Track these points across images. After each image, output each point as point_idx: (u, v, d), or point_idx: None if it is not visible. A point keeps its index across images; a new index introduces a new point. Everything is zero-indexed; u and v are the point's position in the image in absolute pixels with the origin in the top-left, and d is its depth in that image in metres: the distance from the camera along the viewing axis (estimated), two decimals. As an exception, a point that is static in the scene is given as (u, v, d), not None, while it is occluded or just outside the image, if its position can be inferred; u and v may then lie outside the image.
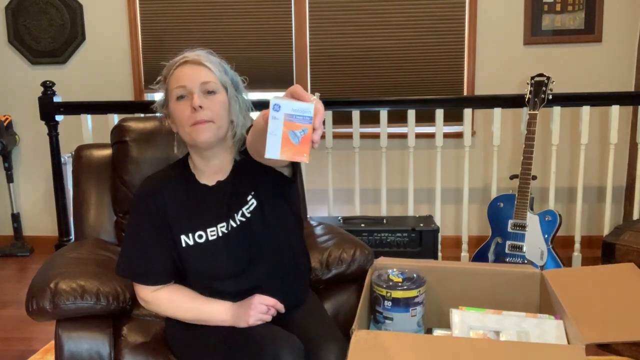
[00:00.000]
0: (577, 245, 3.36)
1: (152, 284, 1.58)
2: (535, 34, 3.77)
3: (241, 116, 1.56)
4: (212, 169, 1.58)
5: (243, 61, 3.91)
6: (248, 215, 1.56)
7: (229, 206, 1.56)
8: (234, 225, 1.56)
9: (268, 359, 1.41)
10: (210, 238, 1.56)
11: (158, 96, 1.64)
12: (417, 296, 1.67)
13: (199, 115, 1.46)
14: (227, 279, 1.57)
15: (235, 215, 1.56)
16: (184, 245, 1.56)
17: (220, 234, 1.56)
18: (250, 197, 1.56)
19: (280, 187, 1.58)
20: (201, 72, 1.48)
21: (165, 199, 1.57)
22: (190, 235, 1.56)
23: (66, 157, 3.56)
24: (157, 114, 1.63)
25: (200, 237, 1.56)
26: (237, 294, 1.56)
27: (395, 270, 1.77)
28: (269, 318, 1.53)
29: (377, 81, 3.91)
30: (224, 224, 1.56)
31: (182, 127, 1.50)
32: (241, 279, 1.57)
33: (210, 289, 1.58)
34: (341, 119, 3.67)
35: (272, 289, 1.58)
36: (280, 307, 1.56)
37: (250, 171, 1.56)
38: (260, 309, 1.51)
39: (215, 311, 1.55)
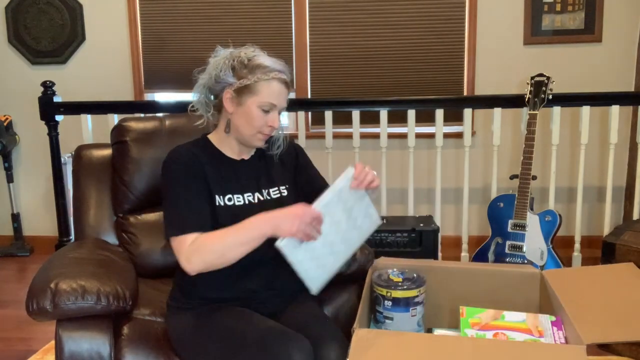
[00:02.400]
0: (577, 245, 3.36)
1: (197, 231, 1.56)
2: (535, 34, 3.77)
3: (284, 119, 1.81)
4: (241, 151, 1.75)
5: (243, 61, 3.91)
6: (275, 196, 1.73)
7: (258, 181, 1.73)
8: (262, 198, 1.71)
9: (277, 358, 1.41)
10: (237, 203, 1.67)
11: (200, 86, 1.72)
12: (417, 296, 1.67)
13: (272, 131, 1.66)
14: None
15: (263, 190, 1.72)
16: (217, 204, 1.65)
17: (247, 202, 1.69)
18: (283, 187, 1.76)
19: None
20: (286, 94, 1.67)
21: (200, 160, 1.67)
22: (222, 196, 1.66)
23: (66, 157, 3.56)
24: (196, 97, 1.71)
25: (229, 200, 1.67)
26: (250, 262, 1.61)
27: (395, 270, 1.77)
28: (311, 232, 1.50)
29: (377, 81, 3.91)
30: (250, 194, 1.70)
31: (248, 128, 1.64)
32: (255, 250, 1.57)
33: None
34: (341, 119, 3.67)
35: (279, 267, 1.63)
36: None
37: (290, 170, 1.80)
38: (305, 220, 1.48)
39: (253, 224, 1.52)
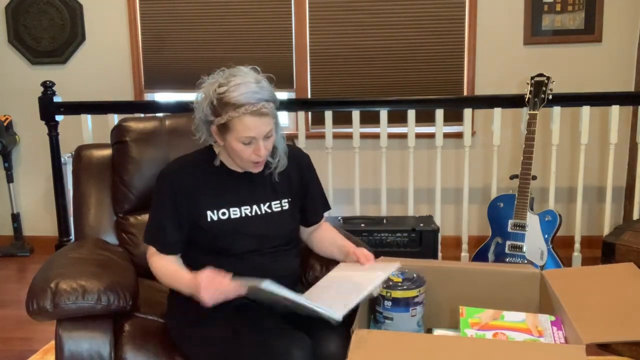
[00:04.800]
0: (577, 245, 3.36)
1: (160, 251, 1.72)
2: (535, 34, 3.77)
3: (281, 138, 1.75)
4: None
5: (243, 61, 3.89)
6: (276, 209, 1.76)
7: (258, 194, 1.74)
8: (260, 212, 1.73)
9: (278, 356, 1.42)
10: (233, 216, 1.70)
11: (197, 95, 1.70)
12: (417, 296, 1.67)
13: (260, 158, 1.64)
14: (240, 258, 1.68)
15: (262, 204, 1.74)
16: (209, 219, 1.69)
17: (243, 215, 1.71)
18: (286, 200, 1.78)
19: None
20: (265, 122, 1.61)
21: (193, 177, 1.71)
22: (215, 211, 1.69)
23: (66, 157, 3.56)
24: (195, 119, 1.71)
25: (223, 214, 1.70)
26: (250, 256, 1.67)
27: (395, 270, 1.77)
28: (223, 297, 1.55)
29: (377, 81, 3.91)
30: (248, 207, 1.72)
31: (238, 160, 1.66)
32: (249, 260, 1.69)
33: (224, 266, 1.64)
34: (341, 119, 3.67)
35: (278, 262, 1.74)
36: (232, 290, 1.54)
37: (295, 182, 1.81)
38: (208, 290, 1.53)
39: (182, 282, 1.64)
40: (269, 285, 1.47)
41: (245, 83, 1.59)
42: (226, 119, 1.58)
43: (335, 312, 1.48)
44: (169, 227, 1.69)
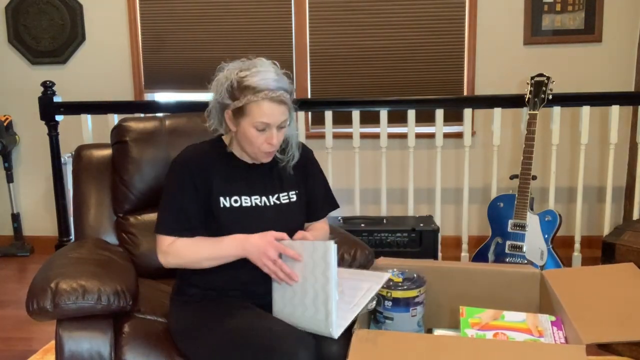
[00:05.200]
0: (577, 245, 3.36)
1: (175, 236, 1.68)
2: (535, 34, 3.77)
3: (294, 132, 1.77)
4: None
5: (243, 61, 3.91)
6: (284, 201, 1.77)
7: (267, 186, 1.75)
8: (268, 203, 1.74)
9: (284, 357, 1.43)
10: (244, 204, 1.71)
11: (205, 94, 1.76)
12: (417, 296, 1.67)
13: (271, 148, 1.66)
14: None
15: (271, 196, 1.75)
16: (221, 205, 1.69)
17: (253, 204, 1.72)
18: (293, 192, 1.79)
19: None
20: (282, 110, 1.63)
21: (206, 163, 1.72)
22: (227, 198, 1.70)
23: (66, 157, 3.56)
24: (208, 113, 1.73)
25: (235, 201, 1.71)
26: (252, 266, 1.64)
27: (395, 270, 1.77)
28: (273, 268, 1.59)
29: (377, 81, 3.91)
30: (258, 197, 1.73)
31: (249, 147, 1.67)
32: None
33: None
34: (341, 119, 3.67)
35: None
36: (293, 255, 1.59)
37: (299, 174, 1.82)
38: (270, 254, 1.59)
39: (225, 245, 1.65)
40: (333, 250, 1.48)
41: (266, 71, 1.62)
42: (244, 102, 1.60)
43: (336, 328, 1.50)
44: (193, 210, 1.69)
